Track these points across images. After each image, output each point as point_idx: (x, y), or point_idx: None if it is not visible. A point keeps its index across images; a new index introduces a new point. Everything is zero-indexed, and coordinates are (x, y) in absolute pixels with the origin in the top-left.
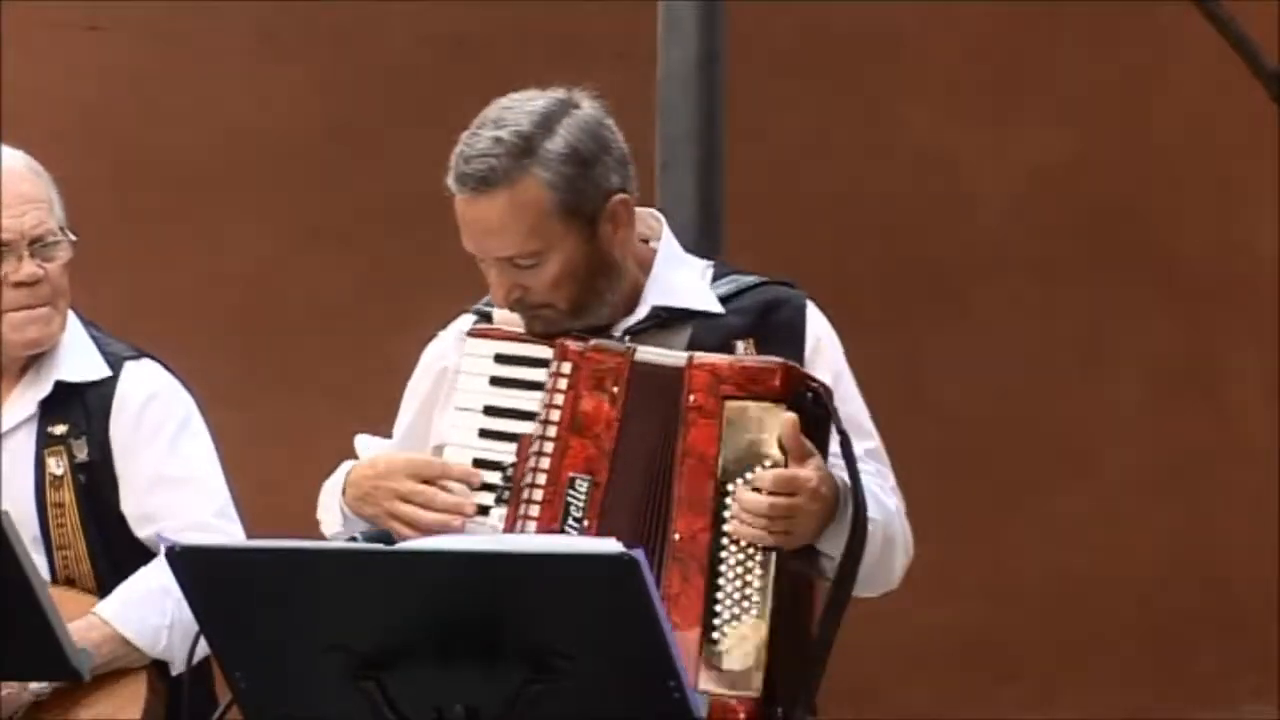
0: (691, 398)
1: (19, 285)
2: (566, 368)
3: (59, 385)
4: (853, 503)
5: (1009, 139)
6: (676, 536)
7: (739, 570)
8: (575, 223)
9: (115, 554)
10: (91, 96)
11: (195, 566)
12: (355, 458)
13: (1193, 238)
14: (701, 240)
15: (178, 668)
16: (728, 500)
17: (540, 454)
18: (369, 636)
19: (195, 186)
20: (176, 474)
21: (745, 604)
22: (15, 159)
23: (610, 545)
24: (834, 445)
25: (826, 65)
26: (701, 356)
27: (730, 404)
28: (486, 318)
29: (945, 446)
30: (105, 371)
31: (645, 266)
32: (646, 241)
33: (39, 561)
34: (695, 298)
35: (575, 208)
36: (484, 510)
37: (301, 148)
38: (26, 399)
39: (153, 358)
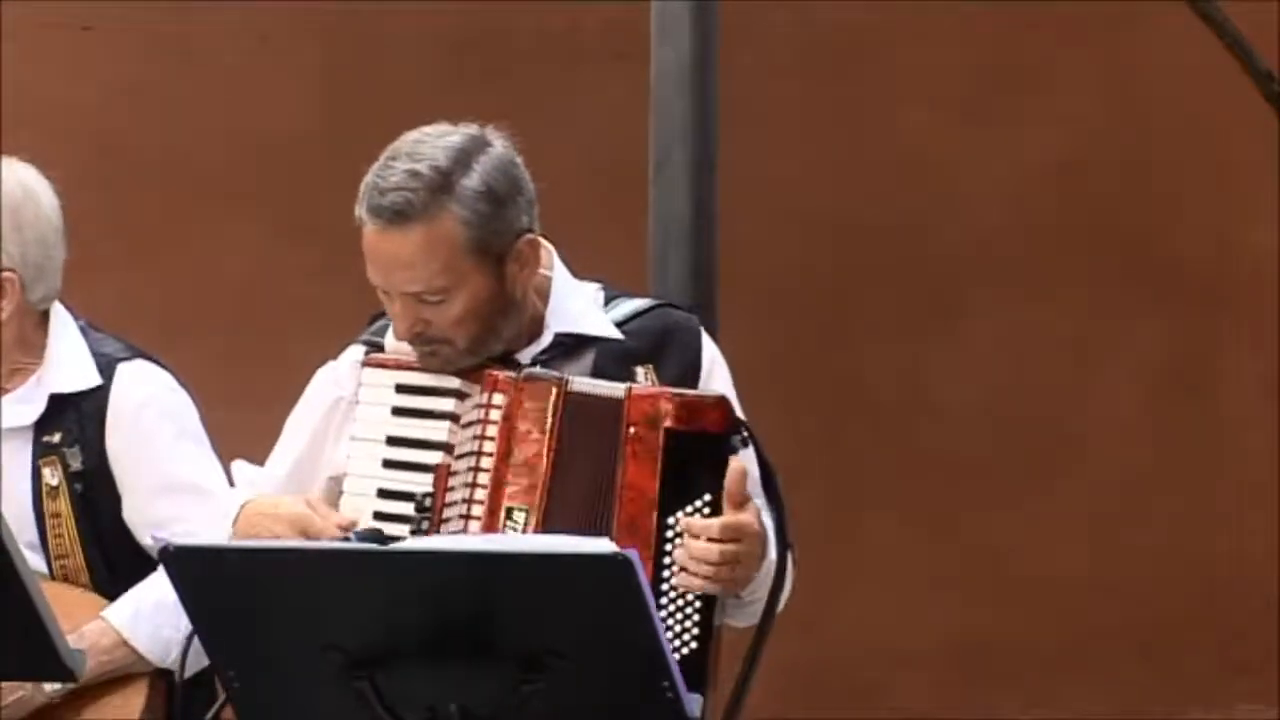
0: (631, 429)
1: None
2: (499, 399)
3: (53, 397)
4: (779, 543)
5: (1005, 139)
6: None
7: (680, 603)
8: (485, 261)
9: (115, 563)
10: (91, 97)
11: (190, 566)
12: None
13: (1190, 238)
14: (695, 240)
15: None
16: (668, 534)
17: (475, 485)
18: (363, 636)
19: (194, 186)
20: (181, 479)
21: (685, 637)
22: None
23: (604, 545)
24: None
25: (821, 65)
26: (639, 388)
27: (669, 436)
28: (377, 348)
29: (942, 447)
30: (97, 379)
31: (544, 295)
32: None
33: (38, 567)
34: (594, 324)
35: (487, 246)
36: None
37: (301, 148)
38: (20, 408)
39: (147, 356)
